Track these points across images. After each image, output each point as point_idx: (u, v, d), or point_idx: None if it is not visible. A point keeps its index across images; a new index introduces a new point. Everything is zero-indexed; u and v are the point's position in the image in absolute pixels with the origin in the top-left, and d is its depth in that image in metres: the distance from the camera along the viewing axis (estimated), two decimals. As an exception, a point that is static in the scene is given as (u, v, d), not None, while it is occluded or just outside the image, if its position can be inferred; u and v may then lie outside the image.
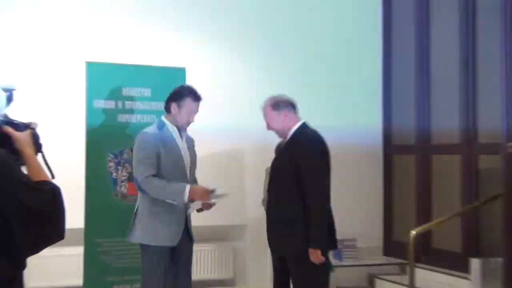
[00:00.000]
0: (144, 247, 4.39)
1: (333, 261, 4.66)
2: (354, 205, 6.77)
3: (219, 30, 6.59)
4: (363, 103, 7.05)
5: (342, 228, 4.45)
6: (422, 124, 6.58)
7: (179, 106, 4.42)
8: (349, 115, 6.92)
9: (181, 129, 4.48)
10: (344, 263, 6.41)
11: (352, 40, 7.06)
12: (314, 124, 4.49)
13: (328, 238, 4.28)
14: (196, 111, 4.46)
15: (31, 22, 6.03)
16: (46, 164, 2.34)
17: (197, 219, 4.64)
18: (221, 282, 6.46)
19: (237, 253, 6.55)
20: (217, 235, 6.41)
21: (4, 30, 5.95)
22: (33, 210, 2.07)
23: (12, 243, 2.06)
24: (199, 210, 4.53)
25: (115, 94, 5.48)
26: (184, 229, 4.42)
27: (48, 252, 5.74)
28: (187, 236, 4.48)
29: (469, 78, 6.01)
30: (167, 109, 4.48)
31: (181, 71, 5.64)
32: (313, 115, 4.59)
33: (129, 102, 5.52)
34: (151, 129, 4.43)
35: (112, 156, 5.44)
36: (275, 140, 4.88)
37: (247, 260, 6.58)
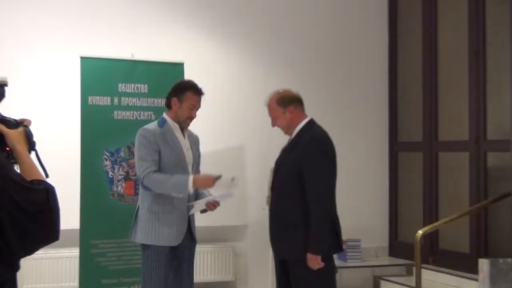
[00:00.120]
0: (145, 247, 4.36)
1: (337, 262, 4.58)
2: (359, 204, 6.72)
3: (218, 24, 6.54)
4: (368, 98, 7.01)
5: (346, 228, 4.36)
6: (429, 121, 6.52)
7: (180, 101, 4.36)
8: (353, 111, 6.89)
9: (184, 126, 4.44)
10: (348, 264, 6.37)
11: (357, 35, 7.01)
12: (317, 121, 4.36)
13: (333, 241, 4.15)
14: (197, 106, 4.41)
15: (24, 16, 5.96)
16: (40, 162, 2.26)
17: (197, 220, 4.58)
18: (221, 284, 6.39)
19: (237, 254, 6.49)
20: (218, 236, 6.35)
21: (-3, 25, 5.90)
22: (26, 210, 2.00)
23: (4, 244, 1.99)
24: (203, 211, 4.47)
25: (111, 90, 5.48)
26: (187, 229, 4.40)
27: (42, 254, 5.76)
28: (190, 237, 4.45)
29: (478, 73, 5.96)
30: (168, 105, 4.43)
31: (179, 66, 5.66)
32: (316, 111, 4.46)
33: (126, 98, 5.53)
34: (152, 126, 4.40)
35: (108, 154, 5.45)
36: (276, 137, 4.76)
37: (248, 262, 6.54)
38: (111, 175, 5.42)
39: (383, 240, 6.95)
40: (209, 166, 4.69)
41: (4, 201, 1.96)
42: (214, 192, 4.39)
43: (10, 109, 2.41)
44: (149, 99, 5.56)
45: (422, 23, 6.65)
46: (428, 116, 6.51)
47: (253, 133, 6.46)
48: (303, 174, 4.08)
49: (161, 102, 5.51)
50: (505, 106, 5.68)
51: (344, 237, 4.39)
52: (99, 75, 5.41)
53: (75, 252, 5.50)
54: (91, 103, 5.38)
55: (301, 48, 6.77)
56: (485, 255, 5.56)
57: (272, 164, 4.54)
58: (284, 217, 4.19)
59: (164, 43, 6.21)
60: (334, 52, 6.89)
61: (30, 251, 2.07)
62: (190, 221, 4.43)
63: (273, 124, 4.34)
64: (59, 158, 5.51)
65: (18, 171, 2.14)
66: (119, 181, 5.44)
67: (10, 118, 2.26)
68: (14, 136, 2.19)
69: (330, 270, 4.20)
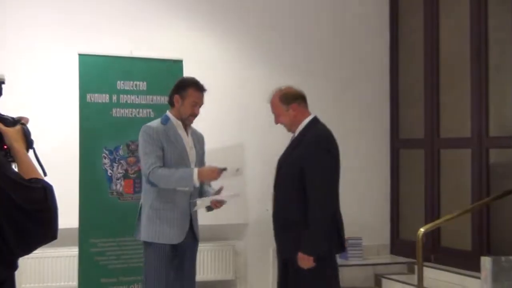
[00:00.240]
0: (147, 245, 4.39)
1: (338, 260, 4.57)
2: (360, 202, 6.71)
3: (218, 21, 6.52)
4: (370, 96, 7.01)
5: (347, 226, 4.33)
6: (430, 118, 6.50)
7: (182, 98, 4.39)
8: (355, 109, 6.89)
9: (187, 123, 4.47)
10: (349, 262, 6.36)
11: (359, 32, 7.00)
12: (319, 118, 4.31)
13: (336, 241, 4.12)
14: (200, 102, 4.44)
15: (22, 12, 5.93)
16: (38, 161, 2.26)
17: (197, 218, 4.56)
18: (221, 282, 6.38)
19: (238, 253, 6.47)
20: (218, 235, 6.33)
21: (-6, 22, 5.88)
22: (24, 209, 2.00)
23: (2, 243, 1.98)
24: (209, 209, 4.49)
25: (109, 88, 5.46)
26: (189, 228, 4.41)
27: (41, 253, 5.72)
28: (192, 236, 4.46)
29: (480, 70, 5.95)
30: (171, 103, 4.47)
31: (178, 64, 5.66)
32: (318, 109, 4.43)
33: (124, 96, 5.51)
34: (155, 123, 4.43)
35: (106, 152, 5.45)
36: (277, 135, 4.74)
37: (248, 260, 6.53)
38: (110, 173, 5.40)
39: (385, 238, 6.94)
40: (209, 164, 4.67)
41: (2, 200, 1.96)
42: (218, 187, 4.40)
43: (8, 107, 2.39)
44: (148, 96, 5.54)
45: (423, 21, 6.64)
46: (430, 113, 6.49)
47: (254, 130, 6.44)
48: (305, 172, 4.04)
49: (160, 99, 5.51)
50: (507, 102, 5.68)
51: (345, 234, 4.36)
52: (97, 73, 5.39)
53: (74, 251, 5.48)
54: (90, 101, 5.35)
55: (302, 45, 6.75)
56: (488, 253, 5.55)
57: (272, 162, 4.51)
58: (286, 216, 4.16)
59: (163, 40, 6.19)
60: (336, 50, 6.87)
61: (28, 250, 2.07)
62: (192, 220, 4.44)
63: (276, 121, 4.30)
64: (57, 157, 5.48)
65: (16, 169, 2.14)
66: (118, 179, 5.42)
67: (7, 116, 2.26)
68: (11, 134, 2.18)
69: (332, 270, 4.17)
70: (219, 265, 6.32)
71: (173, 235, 4.33)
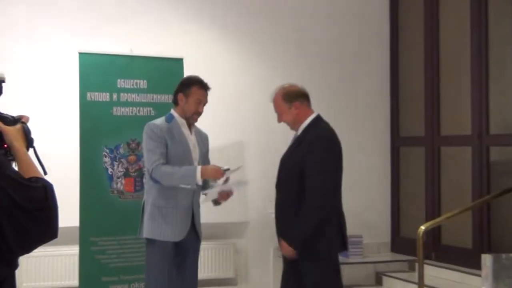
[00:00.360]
0: (149, 242, 4.41)
1: (339, 258, 4.55)
2: (360, 199, 6.69)
3: (218, 19, 6.51)
4: (370, 93, 7.00)
5: (348, 224, 4.32)
6: (431, 115, 6.49)
7: (186, 96, 4.42)
8: (355, 106, 6.87)
9: (191, 122, 4.49)
10: (350, 260, 6.33)
11: (359, 30, 6.98)
12: (318, 115, 4.30)
13: (338, 239, 4.11)
14: (204, 100, 4.46)
15: (22, 11, 5.92)
16: (38, 159, 2.25)
17: None
18: (222, 281, 6.37)
19: (238, 251, 6.47)
20: (218, 233, 6.31)
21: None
22: (24, 208, 1.99)
23: (2, 242, 1.97)
24: (216, 203, 4.48)
25: (110, 86, 5.45)
26: (191, 226, 4.42)
27: (42, 251, 5.71)
28: (194, 234, 4.47)
29: (481, 67, 5.94)
30: (175, 102, 4.49)
31: (178, 62, 5.63)
32: (318, 107, 4.39)
33: (125, 94, 5.49)
34: (159, 121, 4.45)
35: (107, 151, 5.44)
36: (278, 133, 4.73)
37: (248, 258, 6.52)
38: (111, 172, 5.40)
39: (385, 236, 6.93)
40: (212, 163, 4.67)
41: (2, 199, 1.95)
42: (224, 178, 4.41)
43: (8, 105, 2.39)
44: (148, 95, 5.53)
45: (424, 18, 6.62)
46: (430, 111, 6.48)
47: (254, 129, 6.43)
48: (306, 171, 4.03)
49: (161, 98, 5.51)
50: (508, 100, 5.66)
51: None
52: (97, 71, 5.38)
53: (74, 249, 5.47)
54: (90, 99, 5.34)
55: (302, 43, 6.73)
56: (488, 251, 5.53)
57: (273, 160, 4.51)
58: (287, 215, 4.14)
59: (164, 38, 6.17)
60: (336, 48, 6.85)
61: (28, 249, 2.06)
62: (194, 218, 4.46)
63: (279, 120, 4.29)
64: (58, 155, 5.48)
65: (16, 168, 2.13)
66: (118, 177, 5.42)
67: (7, 114, 2.25)
68: (12, 133, 2.17)
69: (334, 268, 4.17)
70: (220, 263, 6.31)
71: (174, 233, 4.34)
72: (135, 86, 5.48)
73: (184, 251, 4.44)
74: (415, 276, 5.55)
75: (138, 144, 5.39)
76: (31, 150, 2.23)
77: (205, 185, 4.47)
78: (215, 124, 6.06)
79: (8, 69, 5.42)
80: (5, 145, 2.16)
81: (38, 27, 5.91)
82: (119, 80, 5.43)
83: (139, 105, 5.49)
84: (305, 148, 4.08)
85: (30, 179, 2.06)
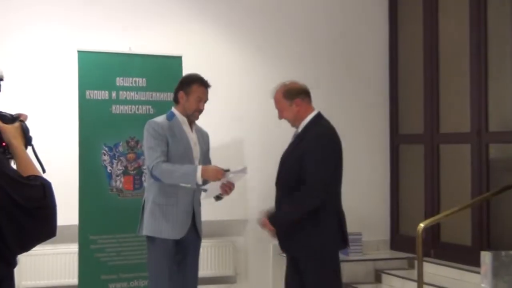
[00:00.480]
0: (150, 240, 4.42)
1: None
2: (360, 197, 6.67)
3: (218, 17, 6.49)
4: (369, 91, 6.98)
5: (347, 221, 4.32)
6: (430, 113, 6.48)
7: (186, 94, 4.45)
8: (354, 104, 6.86)
9: (192, 119, 4.51)
10: (349, 257, 6.31)
11: (358, 27, 6.97)
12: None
13: (339, 237, 4.14)
14: (204, 98, 4.49)
15: (21, 9, 5.90)
16: (37, 158, 2.26)
17: None
18: (221, 279, 6.37)
19: (237, 249, 6.46)
20: (217, 231, 6.30)
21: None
22: (23, 206, 2.00)
23: (0, 240, 1.99)
24: (217, 198, 4.49)
25: (109, 84, 5.45)
26: (192, 224, 4.44)
27: (41, 250, 5.70)
28: (195, 233, 4.49)
29: (480, 64, 5.92)
30: (176, 100, 4.51)
31: (177, 60, 5.62)
32: (317, 105, 4.40)
33: (124, 92, 5.50)
34: (160, 119, 4.47)
35: (106, 149, 5.44)
36: (278, 131, 4.73)
37: (248, 256, 6.51)
38: (110, 170, 5.40)
39: (385, 233, 6.91)
40: (213, 162, 4.67)
41: (0, 198, 1.95)
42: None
43: (6, 103, 2.39)
44: (147, 93, 5.53)
45: (423, 15, 6.60)
46: (430, 108, 6.47)
47: (254, 126, 6.42)
48: (305, 168, 4.03)
49: (160, 95, 5.51)
50: (507, 97, 5.65)
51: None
52: (96, 69, 5.38)
53: (74, 248, 5.48)
54: (89, 97, 5.35)
55: (302, 41, 6.72)
56: (487, 248, 5.52)
57: (273, 157, 4.50)
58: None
59: (162, 36, 6.15)
60: (335, 45, 6.84)
61: (26, 247, 2.07)
62: (195, 216, 4.47)
63: (280, 117, 4.30)
64: (57, 153, 5.49)
65: (15, 166, 2.13)
66: (117, 176, 5.42)
67: (6, 113, 2.25)
68: (10, 131, 2.18)
69: (334, 266, 4.17)
70: (219, 261, 6.31)
71: (175, 231, 4.36)
72: (134, 84, 5.49)
73: (185, 249, 4.44)
74: (414, 273, 5.52)
75: (137, 142, 5.39)
76: (29, 148, 2.23)
77: (205, 184, 4.47)
78: (215, 121, 6.06)
79: (7, 67, 5.44)
80: (4, 143, 2.16)
81: (37, 26, 5.89)
82: (118, 78, 5.43)
83: (138, 103, 5.50)
84: (305, 145, 4.08)
85: (28, 177, 2.07)
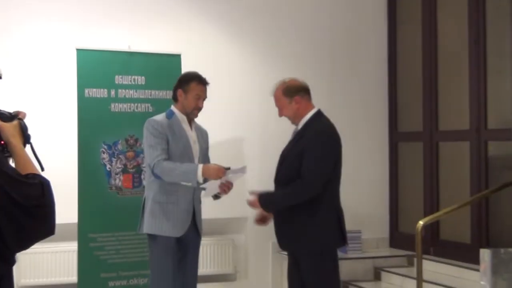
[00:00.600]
0: (151, 238, 4.42)
1: (338, 253, 4.56)
2: (359, 195, 6.68)
3: (217, 15, 6.48)
4: (368, 89, 6.97)
5: (346, 219, 4.32)
6: (429, 110, 6.47)
7: (185, 92, 4.46)
8: (353, 102, 6.86)
9: (191, 117, 4.51)
10: (348, 255, 6.32)
11: (356, 24, 6.97)
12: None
13: (338, 234, 4.13)
14: (203, 96, 4.49)
15: (20, 8, 5.89)
16: (35, 156, 2.26)
17: None
18: (221, 276, 6.37)
19: (237, 247, 6.45)
20: (217, 229, 6.30)
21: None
22: (21, 205, 1.99)
23: None
24: (215, 197, 4.49)
25: (108, 82, 5.46)
26: (192, 223, 4.44)
27: (40, 248, 5.71)
28: (195, 231, 4.50)
29: (479, 62, 5.91)
30: (175, 98, 4.52)
31: (176, 58, 5.62)
32: (316, 102, 4.38)
33: (123, 90, 5.50)
34: (160, 117, 4.47)
35: (105, 147, 5.44)
36: (277, 129, 4.72)
37: (248, 254, 6.51)
38: (109, 168, 5.40)
39: (384, 231, 6.91)
40: (212, 160, 4.67)
41: (-2, 195, 1.94)
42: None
43: (5, 101, 2.39)
44: (146, 91, 5.53)
45: (421, 11, 6.60)
46: (428, 106, 6.46)
47: (254, 124, 6.42)
48: (305, 165, 4.03)
49: (159, 94, 5.51)
50: (506, 95, 5.65)
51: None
52: (95, 67, 5.38)
53: (73, 246, 5.49)
54: (88, 96, 5.35)
55: (302, 38, 6.71)
56: (487, 245, 5.53)
57: (272, 155, 4.50)
58: (288, 211, 4.12)
59: (161, 34, 6.14)
60: (334, 43, 6.83)
61: (25, 246, 2.07)
62: (195, 214, 4.47)
63: (280, 114, 4.30)
64: (56, 152, 5.49)
65: (13, 165, 2.13)
66: (117, 174, 5.42)
67: (4, 111, 2.25)
68: (8, 129, 2.17)
69: (333, 264, 4.17)
70: (219, 259, 6.30)
71: (175, 229, 4.36)
72: (133, 82, 5.49)
73: (185, 247, 4.45)
74: (413, 271, 5.51)
75: (136, 140, 5.40)
76: (28, 147, 2.23)
77: (205, 182, 4.47)
78: (215, 119, 6.06)
79: (6, 66, 5.44)
80: (2, 142, 2.16)
81: (36, 23, 5.88)
82: (117, 76, 5.43)
83: (137, 101, 5.50)
84: (305, 143, 4.08)
85: (27, 175, 2.07)
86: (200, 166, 4.28)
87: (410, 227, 6.02)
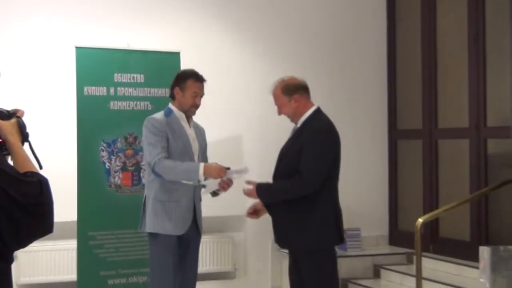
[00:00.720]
0: (152, 236, 4.42)
1: (337, 251, 4.55)
2: (358, 193, 6.67)
3: (216, 13, 6.47)
4: (367, 86, 6.96)
5: (346, 216, 4.33)
6: (428, 108, 6.47)
7: (182, 90, 4.44)
8: (352, 99, 6.86)
9: (189, 114, 4.51)
10: (348, 253, 6.32)
11: (356, 22, 6.96)
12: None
13: (335, 232, 4.13)
14: (200, 93, 4.49)
15: (19, 6, 5.88)
16: (34, 154, 2.25)
17: None
18: (220, 274, 6.36)
19: (237, 245, 6.45)
20: (217, 226, 6.30)
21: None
22: (20, 203, 1.99)
23: None
24: (214, 194, 4.50)
25: (107, 80, 5.47)
26: (193, 221, 4.45)
27: (39, 246, 5.71)
28: (196, 229, 4.50)
29: (478, 59, 5.91)
30: (172, 96, 4.51)
31: (175, 56, 5.61)
32: (315, 100, 4.38)
33: (122, 88, 5.49)
34: (159, 115, 4.47)
35: (104, 145, 5.43)
36: (275, 127, 4.72)
37: (247, 252, 6.51)
38: (108, 166, 5.40)
39: (383, 228, 6.91)
40: (210, 157, 4.67)
41: (-4, 193, 1.94)
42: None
43: (3, 99, 2.38)
44: (145, 89, 5.53)
45: (421, 9, 6.59)
46: (428, 104, 6.46)
47: (252, 122, 6.42)
48: (303, 163, 4.03)
49: (158, 92, 5.51)
50: (505, 92, 5.64)
51: (343, 226, 4.36)
52: (94, 65, 5.38)
53: (72, 244, 5.49)
54: (87, 94, 5.34)
55: (301, 37, 6.70)
56: (486, 243, 5.53)
57: (271, 153, 4.50)
58: (286, 208, 4.13)
59: (160, 32, 6.13)
60: (333, 41, 6.82)
61: (23, 244, 2.07)
62: (196, 212, 4.47)
63: (279, 113, 4.30)
64: (54, 150, 5.49)
65: (11, 163, 2.12)
66: (116, 172, 5.42)
67: (2, 109, 2.24)
68: (6, 127, 2.17)
69: (331, 261, 4.17)
70: (219, 257, 6.30)
71: (177, 227, 4.36)
72: (132, 80, 5.49)
73: (185, 245, 4.45)
74: (413, 268, 5.51)
75: (136, 138, 5.40)
76: (26, 145, 2.22)
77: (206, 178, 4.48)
78: (213, 117, 6.06)
79: (4, 63, 5.45)
80: (0, 140, 2.15)
81: (35, 21, 5.87)
82: (116, 74, 5.43)
83: (136, 99, 5.50)
84: (304, 140, 4.08)
85: (25, 174, 2.06)
86: (202, 165, 4.28)
87: (410, 225, 6.01)
